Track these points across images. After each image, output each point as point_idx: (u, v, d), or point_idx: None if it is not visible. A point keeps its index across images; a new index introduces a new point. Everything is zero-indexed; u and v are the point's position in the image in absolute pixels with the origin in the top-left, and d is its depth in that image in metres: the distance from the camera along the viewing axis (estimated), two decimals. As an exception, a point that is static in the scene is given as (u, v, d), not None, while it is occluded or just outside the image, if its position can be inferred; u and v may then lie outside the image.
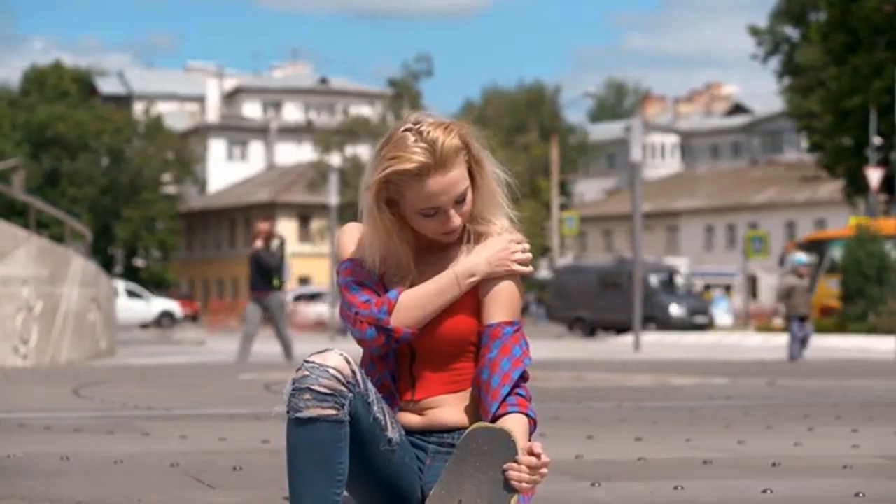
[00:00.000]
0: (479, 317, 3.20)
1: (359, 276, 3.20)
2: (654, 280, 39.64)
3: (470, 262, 3.17)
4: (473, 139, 3.19)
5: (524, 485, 2.96)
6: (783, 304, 20.05)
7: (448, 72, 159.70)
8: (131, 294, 49.87)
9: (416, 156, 3.10)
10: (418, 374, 3.21)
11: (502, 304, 3.19)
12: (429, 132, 3.12)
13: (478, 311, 3.21)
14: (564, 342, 33.52)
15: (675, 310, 38.95)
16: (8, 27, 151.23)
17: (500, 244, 3.19)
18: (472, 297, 3.20)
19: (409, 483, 3.15)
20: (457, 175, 3.14)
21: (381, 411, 3.08)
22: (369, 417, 3.05)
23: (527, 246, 3.22)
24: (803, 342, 19.44)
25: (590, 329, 39.28)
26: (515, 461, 2.96)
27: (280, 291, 16.83)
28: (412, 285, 3.19)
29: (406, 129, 3.14)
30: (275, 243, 16.87)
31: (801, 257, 21.06)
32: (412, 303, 3.15)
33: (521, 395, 3.13)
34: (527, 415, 3.11)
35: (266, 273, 16.55)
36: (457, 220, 3.16)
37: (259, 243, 16.76)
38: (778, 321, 21.43)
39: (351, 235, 3.27)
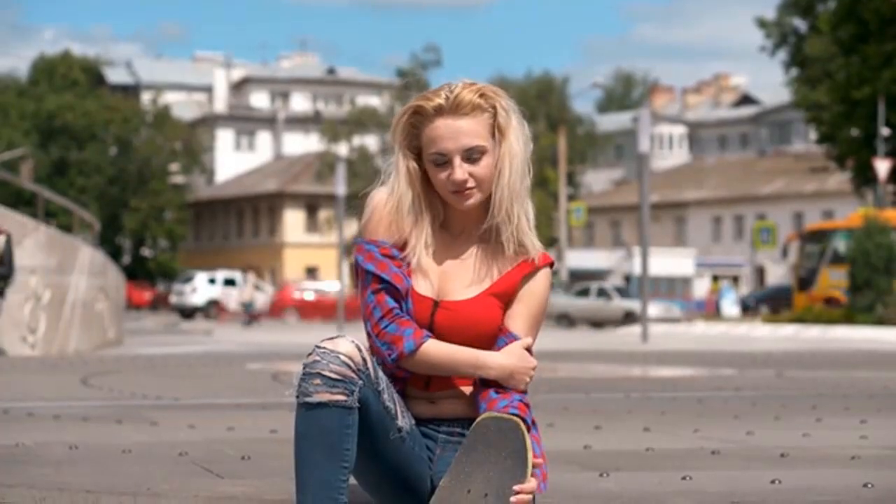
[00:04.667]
0: (504, 309, 3.18)
1: (379, 266, 3.15)
2: None
3: (494, 363, 3.11)
4: (506, 109, 3.20)
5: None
6: None
7: (457, 62, 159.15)
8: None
9: (436, 99, 3.14)
10: None
11: (531, 317, 3.19)
12: (456, 85, 3.17)
13: (504, 304, 3.18)
14: (571, 333, 33.53)
15: None
16: (18, 17, 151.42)
17: (525, 361, 3.13)
18: (501, 296, 3.18)
19: (418, 472, 3.14)
20: (468, 126, 3.14)
21: (390, 399, 3.08)
22: (379, 405, 3.04)
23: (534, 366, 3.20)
24: None
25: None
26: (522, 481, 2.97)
27: None
28: (431, 261, 3.18)
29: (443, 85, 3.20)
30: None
31: None
32: (424, 362, 3.12)
33: (520, 401, 3.11)
34: (524, 420, 3.07)
35: None
36: (460, 174, 3.12)
37: None
38: None
39: (381, 207, 3.19)
